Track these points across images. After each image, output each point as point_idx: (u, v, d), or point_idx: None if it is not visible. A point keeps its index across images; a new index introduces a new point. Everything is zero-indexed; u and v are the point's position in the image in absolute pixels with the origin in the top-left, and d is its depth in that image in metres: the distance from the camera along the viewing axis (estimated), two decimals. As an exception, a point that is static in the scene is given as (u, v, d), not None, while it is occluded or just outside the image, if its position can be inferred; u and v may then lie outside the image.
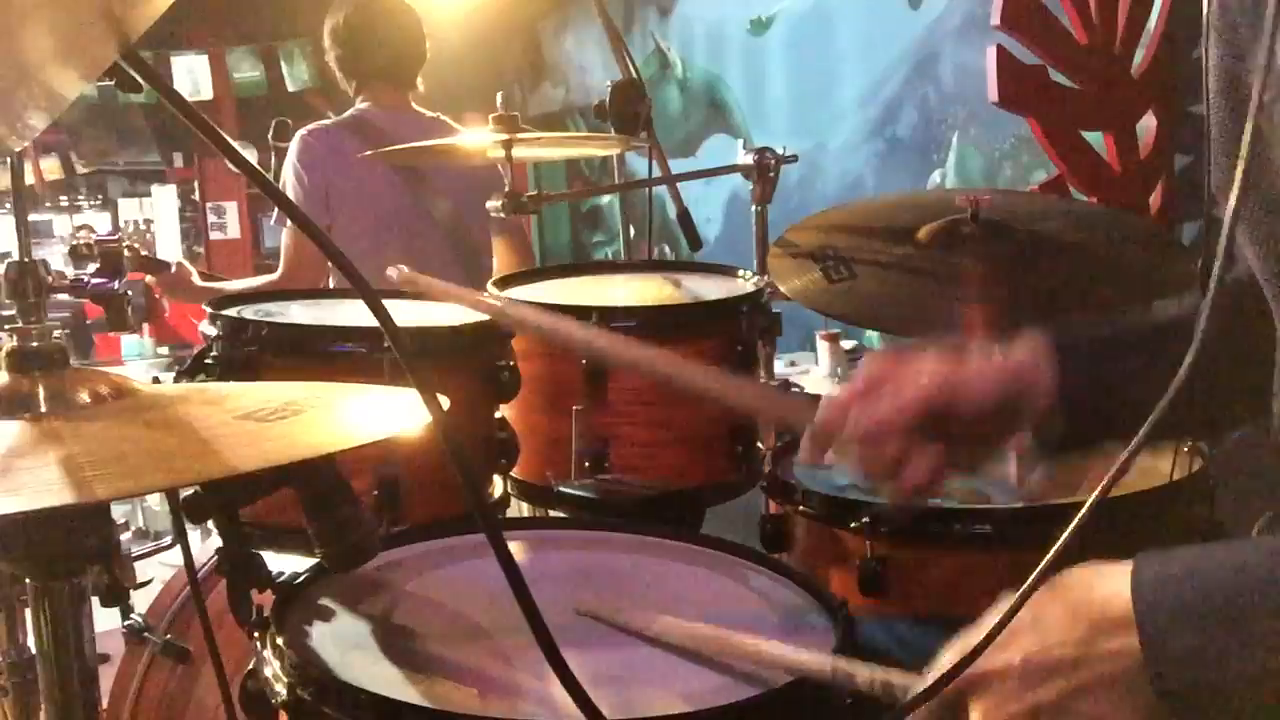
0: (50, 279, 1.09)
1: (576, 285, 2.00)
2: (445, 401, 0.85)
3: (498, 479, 1.69)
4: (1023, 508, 1.41)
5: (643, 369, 1.30)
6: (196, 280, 2.98)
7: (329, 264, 2.69)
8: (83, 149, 6.79)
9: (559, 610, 1.05)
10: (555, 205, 5.38)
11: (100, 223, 6.85)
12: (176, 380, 1.52)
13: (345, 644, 0.99)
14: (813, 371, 3.45)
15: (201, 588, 1.34)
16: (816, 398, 1.07)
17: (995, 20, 2.73)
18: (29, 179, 5.89)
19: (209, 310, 1.57)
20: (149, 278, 2.92)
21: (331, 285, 2.74)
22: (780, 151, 2.14)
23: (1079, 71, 2.80)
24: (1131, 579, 0.74)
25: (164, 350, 5.62)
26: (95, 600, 1.00)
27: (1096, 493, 0.71)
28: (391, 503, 1.49)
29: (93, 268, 1.79)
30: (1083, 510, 0.71)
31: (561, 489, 1.62)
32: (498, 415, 1.63)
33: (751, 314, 1.78)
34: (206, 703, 1.60)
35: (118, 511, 1.12)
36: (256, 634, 0.99)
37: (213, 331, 1.54)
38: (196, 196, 6.80)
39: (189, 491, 1.02)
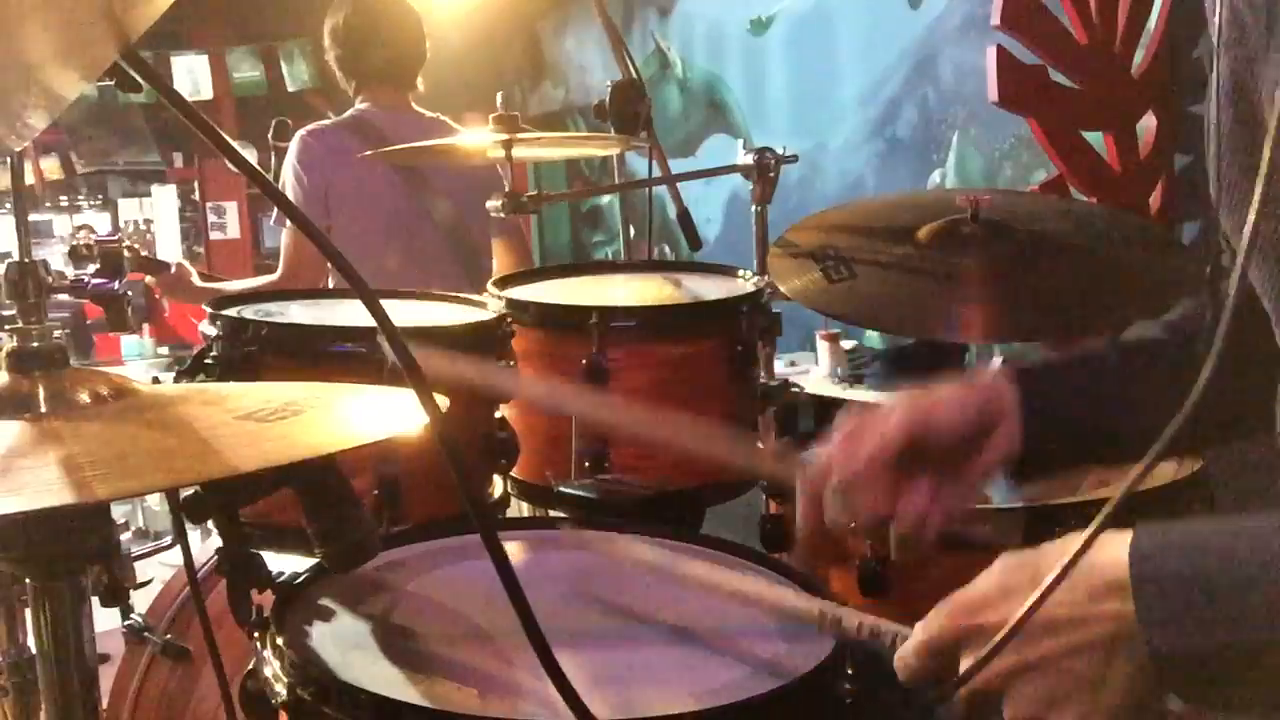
0: (50, 279, 1.09)
1: (576, 285, 2.00)
2: (444, 402, 0.85)
3: (498, 479, 1.69)
4: (1023, 508, 1.41)
5: (643, 436, 1.41)
6: (196, 281, 2.98)
7: (329, 264, 2.68)
8: (83, 149, 6.78)
9: (559, 610, 1.06)
10: (555, 205, 5.38)
11: (100, 223, 6.85)
12: (176, 380, 1.52)
13: (345, 644, 0.99)
14: (813, 371, 3.45)
15: (201, 588, 1.34)
16: (810, 455, 1.09)
17: (995, 20, 2.74)
18: (29, 179, 5.90)
19: (209, 310, 1.58)
20: (149, 278, 2.92)
21: (331, 285, 2.74)
22: (780, 151, 2.13)
23: (1079, 71, 2.81)
24: (1130, 546, 0.76)
25: (164, 350, 5.63)
26: (95, 600, 1.00)
27: (1120, 494, 0.73)
28: (391, 503, 1.49)
29: (93, 268, 1.79)
30: (1105, 509, 0.73)
31: (561, 489, 1.62)
32: (497, 415, 1.63)
33: (751, 314, 1.79)
34: (206, 703, 1.60)
35: (118, 511, 1.12)
36: (256, 634, 0.99)
37: (212, 331, 1.54)
38: (196, 196, 6.79)
39: (189, 491, 1.02)
